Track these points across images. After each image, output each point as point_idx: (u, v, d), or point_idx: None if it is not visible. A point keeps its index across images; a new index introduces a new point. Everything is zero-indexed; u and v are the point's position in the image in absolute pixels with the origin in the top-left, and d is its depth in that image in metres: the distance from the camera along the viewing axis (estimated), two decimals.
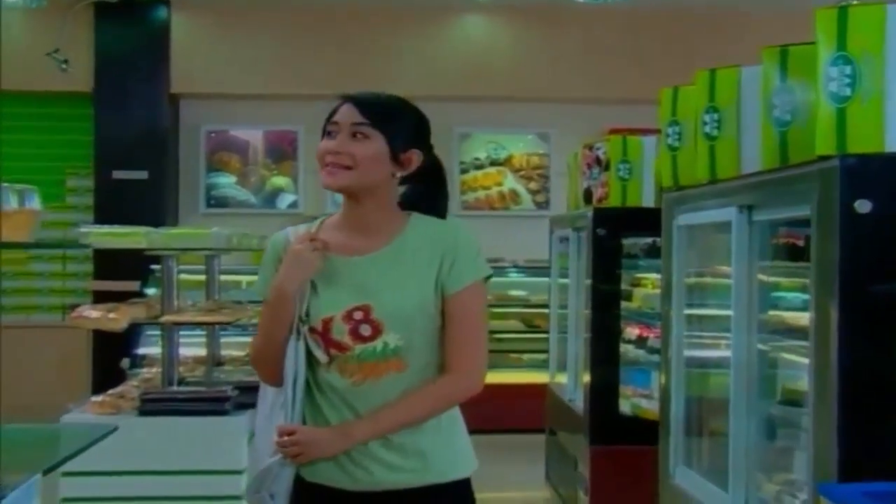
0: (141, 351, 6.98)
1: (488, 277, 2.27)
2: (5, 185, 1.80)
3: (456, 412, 2.30)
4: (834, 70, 2.60)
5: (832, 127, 2.59)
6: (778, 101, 2.96)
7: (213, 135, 9.28)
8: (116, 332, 4.58)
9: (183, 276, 7.21)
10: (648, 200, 4.96)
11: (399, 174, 2.25)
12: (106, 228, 4.26)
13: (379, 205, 2.25)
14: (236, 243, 5.17)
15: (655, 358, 4.68)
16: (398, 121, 2.24)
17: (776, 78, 2.97)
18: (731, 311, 3.17)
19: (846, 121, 2.57)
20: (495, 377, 5.66)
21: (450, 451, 2.25)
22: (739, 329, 3.15)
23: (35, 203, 1.83)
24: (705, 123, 3.33)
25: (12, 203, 1.71)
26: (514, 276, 8.69)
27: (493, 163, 9.46)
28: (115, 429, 1.72)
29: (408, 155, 2.25)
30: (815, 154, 2.64)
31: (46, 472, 1.46)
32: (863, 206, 2.46)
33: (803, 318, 2.80)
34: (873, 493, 2.16)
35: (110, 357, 7.41)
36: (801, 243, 3.05)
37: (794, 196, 2.78)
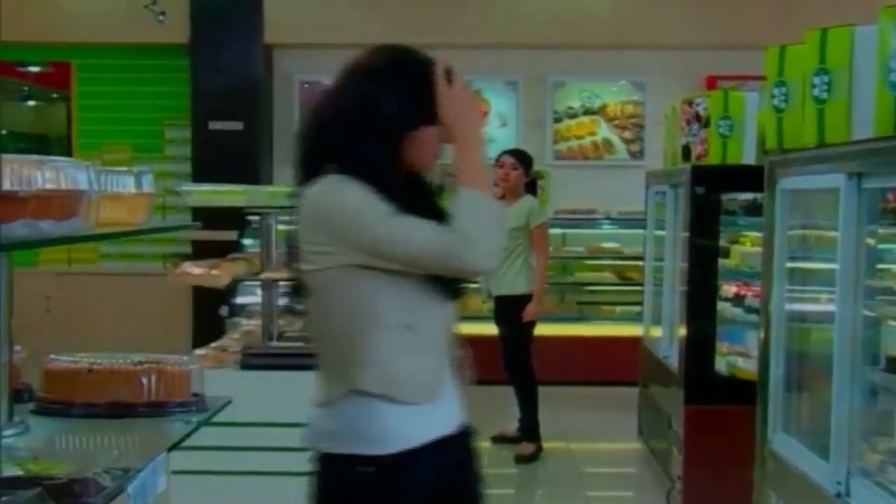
0: (239, 300, 7.15)
1: None
2: (124, 168, 1.85)
3: None
4: None
5: None
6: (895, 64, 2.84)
7: (306, 85, 9.33)
8: None
9: (282, 227, 7.35)
10: (749, 158, 4.84)
11: None
12: (207, 187, 4.34)
13: None
14: None
15: (753, 317, 4.60)
16: None
17: (894, 39, 2.85)
18: (837, 279, 3.10)
19: None
20: (588, 329, 5.70)
21: None
22: (845, 297, 3.08)
23: (149, 185, 1.87)
24: (814, 86, 3.22)
25: (129, 186, 1.76)
26: (607, 228, 8.62)
27: (587, 112, 9.33)
28: (229, 402, 1.76)
29: None
30: None
31: (171, 449, 1.51)
32: None
33: None
34: None
35: (210, 304, 7.59)
36: None
37: None
